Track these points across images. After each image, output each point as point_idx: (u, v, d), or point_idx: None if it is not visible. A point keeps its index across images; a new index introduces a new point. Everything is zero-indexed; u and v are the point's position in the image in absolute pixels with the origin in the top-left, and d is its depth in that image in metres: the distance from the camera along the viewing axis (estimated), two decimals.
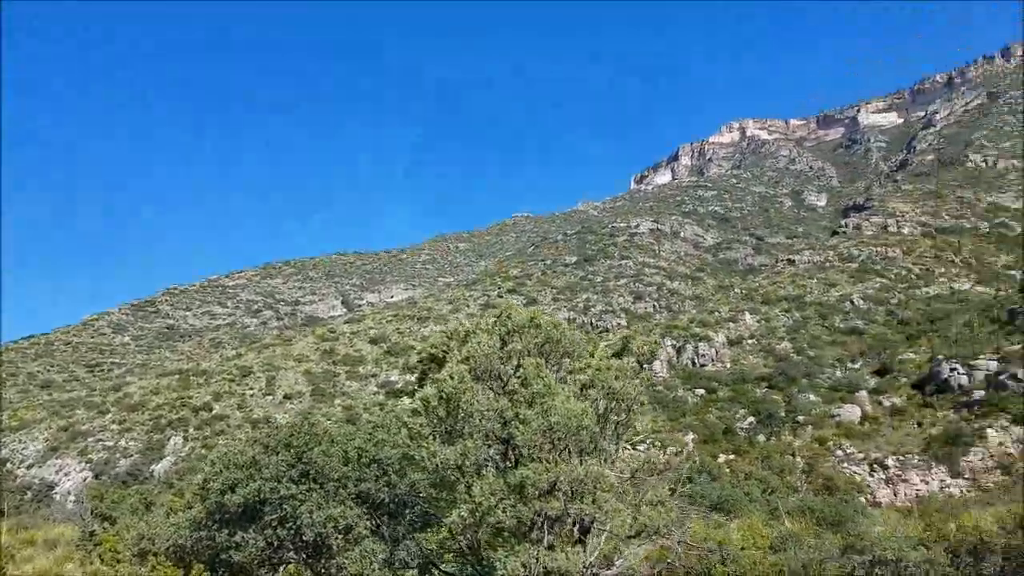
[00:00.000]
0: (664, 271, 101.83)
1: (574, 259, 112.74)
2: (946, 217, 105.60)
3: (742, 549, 15.96)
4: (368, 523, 13.60)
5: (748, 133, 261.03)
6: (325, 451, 13.44)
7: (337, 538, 13.06)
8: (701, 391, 56.23)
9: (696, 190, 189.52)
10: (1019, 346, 48.36)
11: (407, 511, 13.84)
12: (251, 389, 71.49)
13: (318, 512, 12.81)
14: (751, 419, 49.49)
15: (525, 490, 9.00)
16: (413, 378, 17.58)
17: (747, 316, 69.20)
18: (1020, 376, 44.89)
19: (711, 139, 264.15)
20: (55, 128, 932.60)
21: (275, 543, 13.16)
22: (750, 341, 64.78)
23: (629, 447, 11.97)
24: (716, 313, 71.80)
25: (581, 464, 9.21)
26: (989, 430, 41.90)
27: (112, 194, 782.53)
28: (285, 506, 12.95)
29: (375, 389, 70.42)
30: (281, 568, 13.92)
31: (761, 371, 58.06)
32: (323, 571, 13.46)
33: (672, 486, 11.24)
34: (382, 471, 13.71)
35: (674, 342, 64.65)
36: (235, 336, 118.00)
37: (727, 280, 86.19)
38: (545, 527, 9.26)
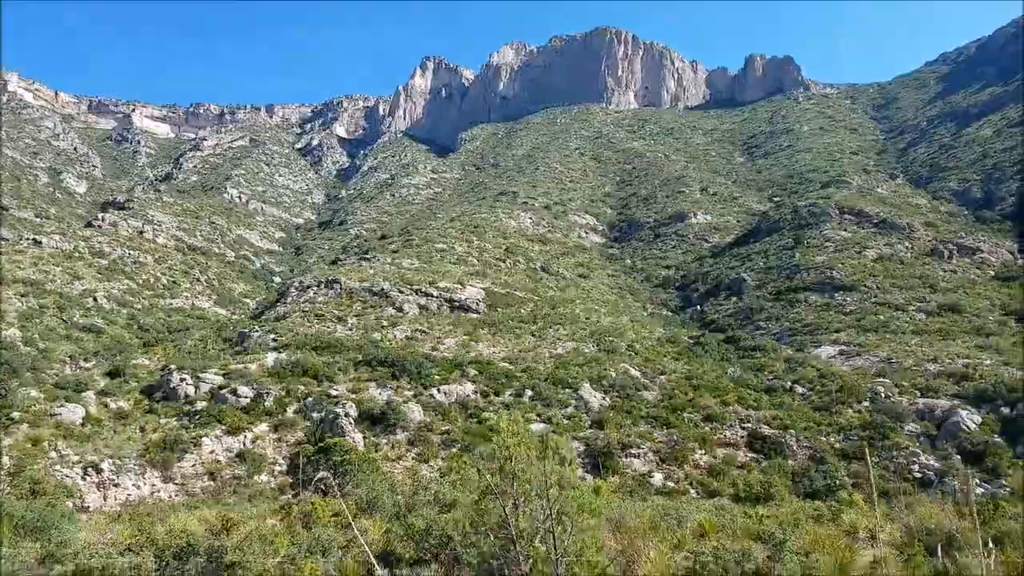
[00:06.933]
0: None
1: None
2: (199, 237, 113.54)
3: None
4: None
5: (11, 88, 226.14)
6: None
7: None
8: None
9: None
10: (242, 365, 55.31)
11: None
12: None
13: None
14: None
15: None
16: None
17: None
18: (239, 392, 51.22)
19: None
20: None
21: None
22: None
23: None
24: None
25: None
26: (204, 439, 45.80)
27: None
28: None
29: None
30: None
31: None
32: None
33: None
34: None
35: None
36: None
37: None
38: None
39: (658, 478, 37.22)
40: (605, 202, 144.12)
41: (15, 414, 43.97)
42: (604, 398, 48.31)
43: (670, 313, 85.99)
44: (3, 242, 77.10)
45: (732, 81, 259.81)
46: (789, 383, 50.25)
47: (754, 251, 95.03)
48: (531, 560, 8.19)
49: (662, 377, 52.51)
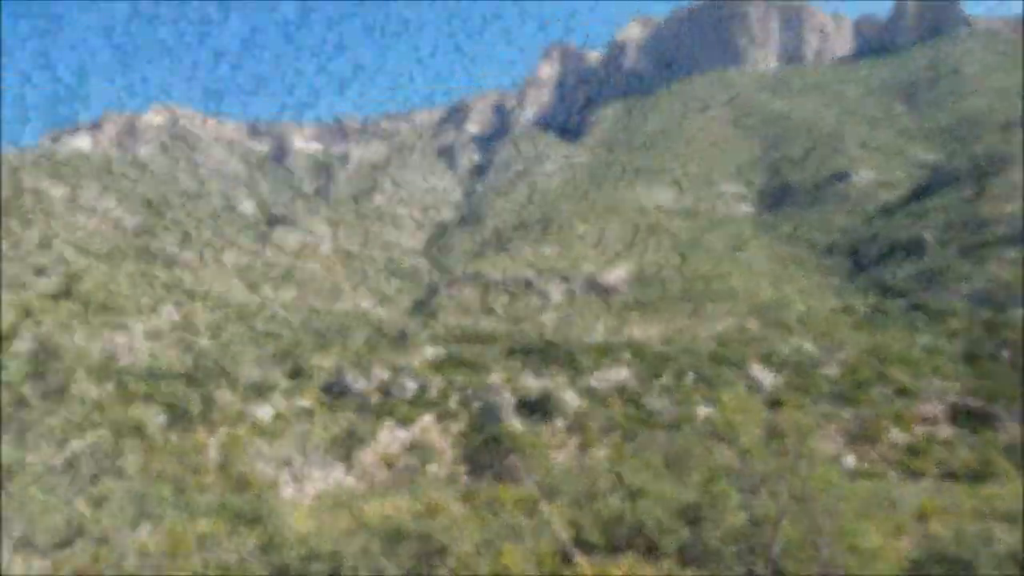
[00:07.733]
0: (78, 246, 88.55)
1: None
2: (356, 244, 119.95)
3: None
4: None
5: (180, 122, 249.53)
6: None
7: None
8: (111, 385, 50.27)
9: (124, 166, 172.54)
10: (405, 361, 57.62)
11: None
12: None
13: None
14: (163, 416, 46.50)
15: None
16: None
17: (169, 308, 65.26)
18: (405, 386, 53.39)
19: (144, 117, 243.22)
20: None
21: None
22: (170, 335, 61.27)
23: None
24: (137, 301, 65.83)
25: None
26: (379, 431, 48.35)
27: None
28: None
29: None
30: None
31: (179, 367, 55.42)
32: None
33: None
34: None
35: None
36: None
37: (149, 268, 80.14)
38: None
39: (850, 460, 34.49)
40: (752, 169, 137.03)
41: (215, 415, 48.22)
42: (776, 376, 45.61)
43: (840, 281, 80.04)
44: (189, 261, 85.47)
45: (882, 28, 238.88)
46: (992, 349, 44.88)
47: (930, 207, 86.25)
48: (780, 544, 7.32)
49: (841, 351, 48.75)
